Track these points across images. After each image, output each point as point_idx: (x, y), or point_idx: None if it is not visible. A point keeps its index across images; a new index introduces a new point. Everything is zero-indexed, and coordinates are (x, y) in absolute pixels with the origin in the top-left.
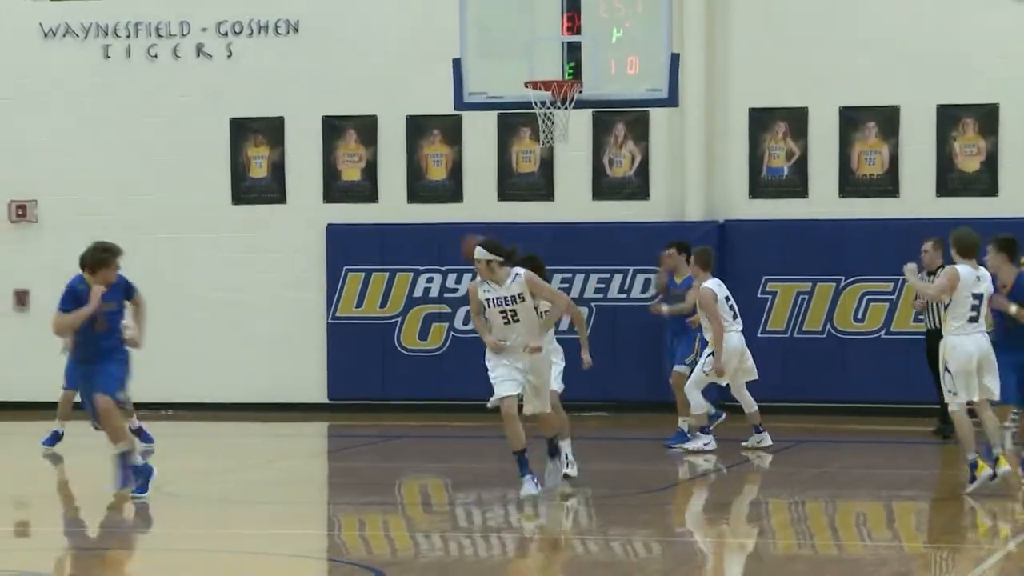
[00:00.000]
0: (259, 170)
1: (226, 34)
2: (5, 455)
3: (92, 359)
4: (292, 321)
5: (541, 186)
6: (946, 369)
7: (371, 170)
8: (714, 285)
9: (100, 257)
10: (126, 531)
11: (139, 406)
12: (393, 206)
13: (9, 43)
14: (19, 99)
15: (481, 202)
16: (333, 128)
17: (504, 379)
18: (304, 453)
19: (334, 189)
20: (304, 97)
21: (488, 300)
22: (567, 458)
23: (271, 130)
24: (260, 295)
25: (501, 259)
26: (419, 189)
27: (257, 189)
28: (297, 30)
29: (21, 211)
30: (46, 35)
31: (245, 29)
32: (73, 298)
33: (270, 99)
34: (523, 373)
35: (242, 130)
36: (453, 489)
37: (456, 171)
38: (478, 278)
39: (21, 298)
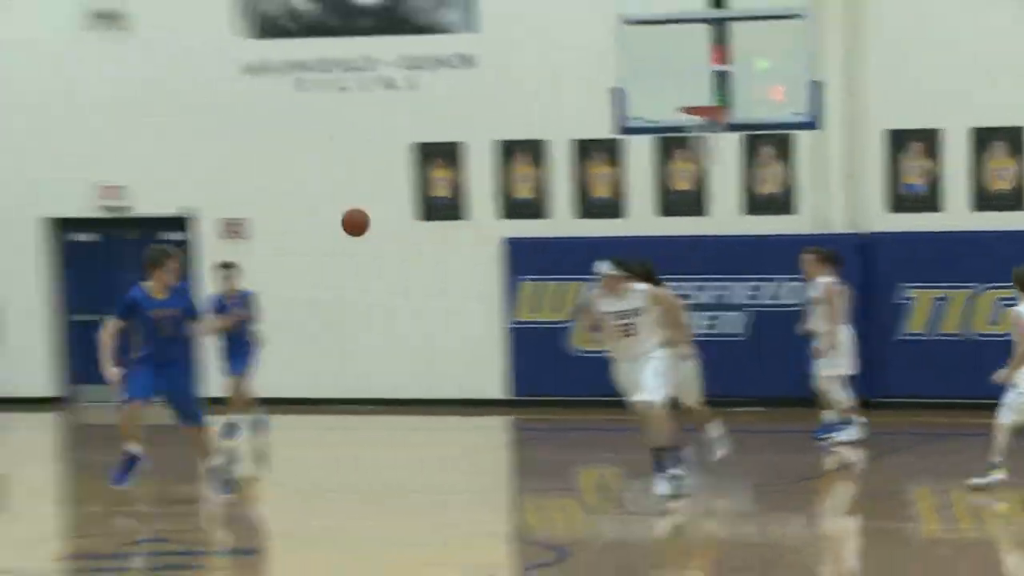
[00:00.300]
0: (441, 190)
1: (409, 68)
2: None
3: (160, 362)
4: (475, 326)
5: (696, 202)
6: (1015, 387)
7: (542, 189)
8: (834, 281)
9: (154, 257)
10: (325, 522)
11: (342, 402)
12: (562, 221)
13: (213, 78)
14: (224, 128)
15: (641, 217)
16: (507, 151)
17: (630, 389)
18: (490, 445)
19: (509, 206)
20: (481, 124)
21: (607, 313)
22: (716, 440)
23: (451, 154)
24: (445, 302)
25: (626, 275)
26: (585, 205)
27: (440, 207)
28: (473, 64)
29: (233, 229)
30: (246, 70)
31: (426, 64)
32: (127, 305)
33: (450, 126)
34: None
35: (425, 154)
36: (627, 477)
37: (618, 189)
38: (597, 289)
39: None
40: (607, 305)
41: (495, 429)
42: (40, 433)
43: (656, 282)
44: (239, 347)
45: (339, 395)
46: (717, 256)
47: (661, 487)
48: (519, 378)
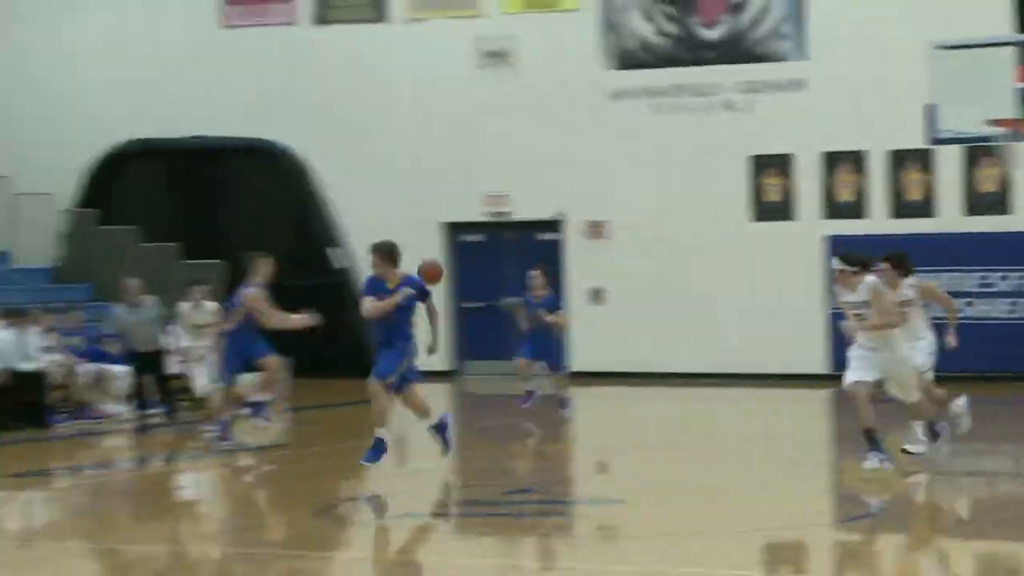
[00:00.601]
0: (773, 195)
1: (747, 92)
2: (598, 411)
3: (380, 343)
4: (801, 311)
5: (1000, 203)
6: None
7: (861, 193)
8: None
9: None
10: (674, 474)
11: (689, 376)
12: (878, 221)
13: (582, 103)
14: (590, 145)
15: (950, 217)
16: (831, 161)
17: (856, 367)
18: (813, 413)
19: (832, 208)
20: (807, 138)
21: (846, 304)
22: (938, 432)
23: (782, 164)
24: (776, 292)
25: (854, 269)
26: (899, 207)
27: (772, 210)
28: (802, 87)
29: (595, 229)
30: (609, 96)
31: (762, 87)
32: (366, 287)
33: (782, 140)
34: (880, 363)
35: (759, 165)
36: (930, 443)
37: (929, 192)
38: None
39: (597, 294)
40: (845, 297)
41: (817, 400)
42: (438, 400)
43: (908, 271)
44: (543, 339)
45: (687, 369)
46: (1020, 250)
47: (870, 463)
48: (839, 356)
